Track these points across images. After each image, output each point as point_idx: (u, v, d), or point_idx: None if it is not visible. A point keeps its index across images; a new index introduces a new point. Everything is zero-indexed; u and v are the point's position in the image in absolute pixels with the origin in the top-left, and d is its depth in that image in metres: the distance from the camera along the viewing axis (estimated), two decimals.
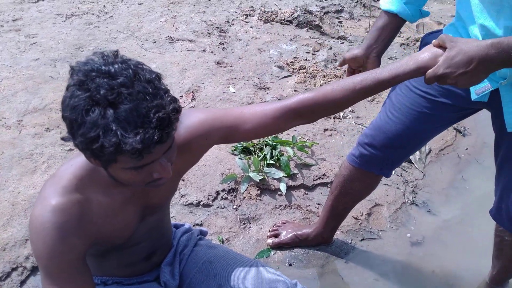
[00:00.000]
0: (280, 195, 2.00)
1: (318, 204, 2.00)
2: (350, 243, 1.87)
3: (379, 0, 1.55)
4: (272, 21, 3.45)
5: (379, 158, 1.43)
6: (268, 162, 2.07)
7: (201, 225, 1.82)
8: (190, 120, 1.01)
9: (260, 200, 1.97)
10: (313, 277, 1.74)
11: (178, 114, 0.81)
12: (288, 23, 3.44)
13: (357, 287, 1.74)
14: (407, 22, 1.32)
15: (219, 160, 2.08)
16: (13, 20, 3.09)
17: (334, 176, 1.92)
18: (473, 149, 2.50)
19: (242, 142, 2.13)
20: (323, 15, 3.57)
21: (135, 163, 0.78)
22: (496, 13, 1.05)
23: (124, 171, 0.81)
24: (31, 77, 2.52)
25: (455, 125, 2.62)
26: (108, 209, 0.93)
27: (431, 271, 1.81)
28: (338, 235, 1.88)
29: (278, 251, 1.79)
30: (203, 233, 1.34)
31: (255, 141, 2.17)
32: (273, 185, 2.01)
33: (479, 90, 1.16)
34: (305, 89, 2.68)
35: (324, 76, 2.82)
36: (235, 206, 1.92)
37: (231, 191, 1.96)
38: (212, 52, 2.95)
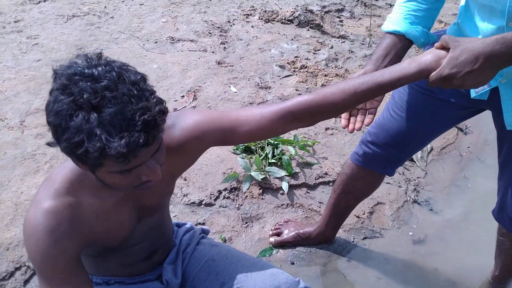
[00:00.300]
0: (282, 194, 2.00)
1: (320, 202, 2.00)
2: (352, 242, 1.87)
3: None
4: (273, 20, 3.45)
5: (382, 156, 1.43)
6: (270, 161, 2.07)
7: (203, 224, 1.83)
8: (185, 121, 0.99)
9: (262, 199, 1.97)
10: (316, 275, 1.74)
11: (165, 116, 0.79)
12: (289, 22, 3.44)
13: (359, 285, 1.74)
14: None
15: (221, 159, 2.08)
16: (14, 21, 3.10)
17: (337, 174, 1.93)
18: (475, 147, 2.49)
19: None
20: (324, 14, 3.57)
21: (121, 167, 0.77)
22: (489, 13, 1.04)
23: (111, 175, 0.80)
24: (33, 78, 2.52)
25: None
26: (100, 211, 0.93)
27: (433, 269, 1.81)
28: (340, 233, 1.88)
29: (281, 250, 1.79)
30: (205, 232, 1.34)
31: None
32: (275, 184, 2.01)
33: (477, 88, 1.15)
34: (306, 88, 2.68)
35: (325, 75, 2.82)
36: (237, 205, 1.92)
37: (233, 190, 1.96)
38: (213, 52, 2.95)
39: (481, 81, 0.93)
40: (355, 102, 1.01)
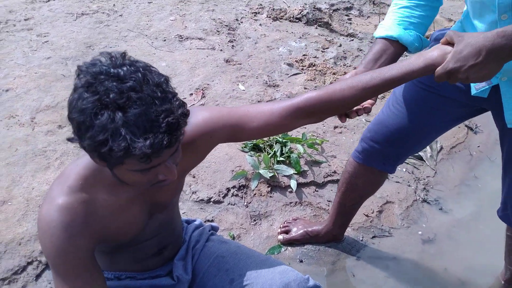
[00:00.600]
0: (291, 192, 2.00)
1: (329, 201, 1.99)
2: (361, 240, 1.87)
3: None
4: (281, 18, 3.45)
5: (382, 153, 1.43)
6: (278, 159, 2.07)
7: (212, 221, 1.83)
8: (195, 118, 1.00)
9: (271, 197, 1.97)
10: (324, 273, 1.74)
11: (187, 118, 0.81)
12: (297, 20, 3.43)
13: (368, 284, 1.74)
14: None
15: (230, 157, 2.09)
16: (25, 19, 3.13)
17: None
18: (485, 146, 2.47)
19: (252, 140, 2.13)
20: (332, 13, 3.56)
21: (142, 166, 0.78)
22: (481, 9, 1.05)
23: (130, 173, 0.81)
24: (43, 75, 2.55)
25: (466, 123, 2.60)
26: (113, 208, 0.94)
27: (442, 269, 1.80)
28: (349, 232, 1.88)
29: (289, 248, 1.79)
30: (214, 229, 1.35)
31: (265, 138, 2.17)
32: (284, 182, 2.01)
33: (478, 85, 1.15)
34: (315, 87, 2.68)
35: (334, 74, 2.81)
36: (245, 203, 1.93)
37: (242, 188, 1.97)
38: (221, 50, 2.96)
39: (486, 74, 0.94)
40: (364, 97, 1.02)
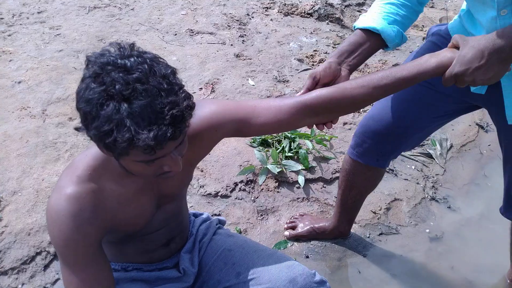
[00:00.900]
0: (298, 187, 2.00)
1: (336, 197, 1.99)
2: (368, 237, 1.86)
3: None
4: (292, 14, 3.43)
5: (374, 148, 1.42)
6: (286, 154, 2.07)
7: (219, 215, 1.84)
8: (202, 110, 1.00)
9: (278, 192, 1.97)
10: (330, 270, 1.74)
11: (192, 111, 0.81)
12: (309, 16, 3.42)
13: (374, 281, 1.73)
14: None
15: (238, 151, 2.09)
16: (38, 12, 3.16)
17: None
18: (496, 145, 2.43)
19: None
20: (344, 8, 3.53)
21: (146, 157, 0.79)
22: (482, 5, 1.05)
23: (135, 164, 0.82)
24: (55, 68, 2.57)
25: (477, 121, 2.57)
26: (121, 198, 0.95)
27: (450, 267, 1.79)
28: (356, 229, 1.88)
29: (295, 243, 1.80)
30: (221, 222, 1.36)
31: (274, 134, 2.17)
32: (291, 178, 2.01)
33: None
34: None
35: None
36: (253, 198, 1.93)
37: (249, 182, 1.97)
38: (231, 45, 2.96)
39: (492, 76, 0.95)
40: (374, 97, 1.01)
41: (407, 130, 1.36)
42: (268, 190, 1.97)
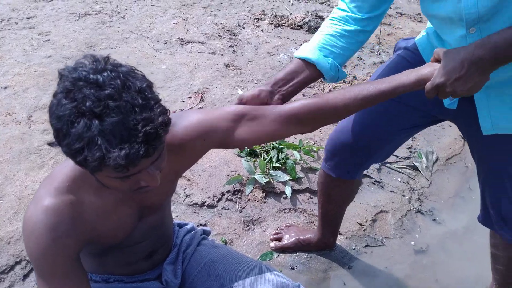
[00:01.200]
0: (285, 198, 1.99)
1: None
2: (354, 249, 1.86)
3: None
4: (282, 25, 3.46)
5: (344, 160, 1.43)
6: (274, 165, 2.07)
7: (205, 225, 1.83)
8: (188, 120, 1.00)
9: (265, 202, 1.97)
10: (315, 281, 1.73)
11: (168, 127, 0.79)
12: (299, 28, 3.45)
13: None
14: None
15: (225, 161, 2.09)
16: (27, 18, 3.14)
17: None
18: None
19: None
20: None
21: (120, 174, 0.77)
22: (450, 25, 1.06)
23: (110, 179, 0.80)
24: (43, 74, 2.55)
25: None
26: (100, 210, 0.93)
27: (434, 279, 1.79)
28: (342, 240, 1.88)
29: (281, 254, 1.79)
30: (206, 233, 1.34)
31: (262, 144, 2.17)
32: (278, 188, 2.01)
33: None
34: (314, 94, 2.68)
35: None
36: (239, 208, 1.92)
37: (236, 192, 1.96)
38: (222, 55, 2.97)
39: (472, 87, 0.97)
40: (355, 107, 1.04)
41: (375, 142, 1.37)
42: (255, 200, 1.96)
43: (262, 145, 2.17)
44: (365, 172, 2.15)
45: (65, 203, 0.88)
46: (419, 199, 2.15)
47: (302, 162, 2.14)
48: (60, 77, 0.76)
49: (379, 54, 3.22)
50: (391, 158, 2.30)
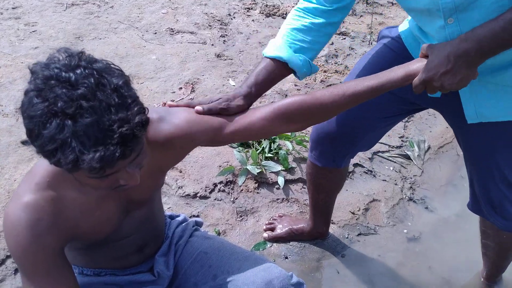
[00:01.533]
0: (278, 188, 1.99)
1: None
2: (347, 238, 1.87)
3: None
4: (274, 15, 3.43)
5: (329, 149, 1.43)
6: (266, 155, 2.06)
7: (197, 216, 1.82)
8: (177, 117, 0.98)
9: (258, 193, 1.96)
10: (309, 270, 1.74)
11: (145, 127, 0.76)
12: None
13: (352, 281, 1.74)
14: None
15: (217, 152, 2.07)
16: (12, 8, 3.07)
17: None
18: None
19: None
20: None
21: (96, 176, 0.75)
22: (428, 17, 1.07)
23: (87, 178, 0.77)
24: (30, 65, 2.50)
25: None
26: (83, 206, 0.91)
27: (427, 267, 1.81)
28: (335, 229, 1.88)
29: (274, 244, 1.79)
30: (198, 224, 1.34)
31: None
32: (271, 179, 2.00)
33: None
34: (305, 84, 2.67)
35: (325, 72, 2.81)
36: (232, 199, 1.92)
37: (229, 183, 1.96)
38: (212, 45, 2.93)
39: (460, 80, 0.97)
40: (344, 104, 1.03)
41: (358, 131, 1.37)
42: (248, 191, 1.95)
43: None
44: (357, 161, 2.16)
45: (46, 199, 0.85)
46: (411, 187, 2.16)
47: (295, 152, 2.14)
48: (31, 73, 0.73)
49: (371, 44, 3.21)
50: (383, 147, 2.31)
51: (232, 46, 2.96)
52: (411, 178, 2.21)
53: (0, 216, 1.63)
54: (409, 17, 1.26)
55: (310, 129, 2.33)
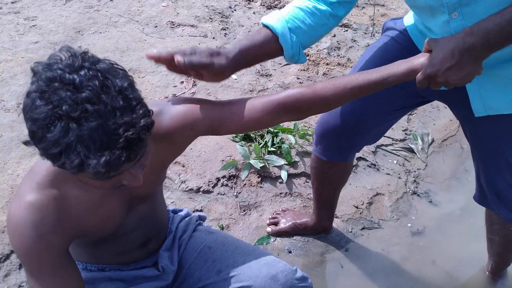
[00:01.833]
0: (281, 182, 1.98)
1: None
2: (351, 232, 1.86)
3: None
4: (275, 7, 3.40)
5: (335, 143, 1.42)
6: (269, 149, 2.05)
7: (201, 211, 1.81)
8: (176, 109, 0.97)
9: (261, 187, 1.95)
10: (313, 265, 1.73)
11: (150, 131, 0.75)
12: None
13: (356, 275, 1.73)
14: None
15: (220, 146, 2.06)
16: (12, 2, 3.05)
17: None
18: None
19: None
20: None
21: (101, 178, 0.74)
22: (431, 12, 1.05)
23: (91, 180, 0.76)
24: (31, 60, 2.48)
25: None
26: (87, 204, 0.90)
27: (431, 261, 1.81)
28: (339, 223, 1.87)
29: (278, 239, 1.78)
30: (201, 218, 1.33)
31: None
32: (274, 173, 1.99)
33: None
34: (308, 77, 2.65)
35: (327, 64, 2.79)
36: (235, 193, 1.91)
37: (232, 178, 1.95)
38: (213, 38, 2.91)
39: (466, 75, 0.95)
40: (345, 98, 1.02)
41: (364, 124, 1.36)
42: (251, 185, 1.95)
43: None
44: (360, 155, 2.15)
45: (49, 198, 0.84)
46: (415, 181, 2.15)
47: (298, 146, 2.12)
48: (33, 73, 0.71)
49: (373, 36, 3.19)
50: (387, 141, 2.29)
51: (233, 39, 2.94)
52: (415, 171, 2.20)
53: (3, 211, 1.63)
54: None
55: (313, 122, 2.31)
